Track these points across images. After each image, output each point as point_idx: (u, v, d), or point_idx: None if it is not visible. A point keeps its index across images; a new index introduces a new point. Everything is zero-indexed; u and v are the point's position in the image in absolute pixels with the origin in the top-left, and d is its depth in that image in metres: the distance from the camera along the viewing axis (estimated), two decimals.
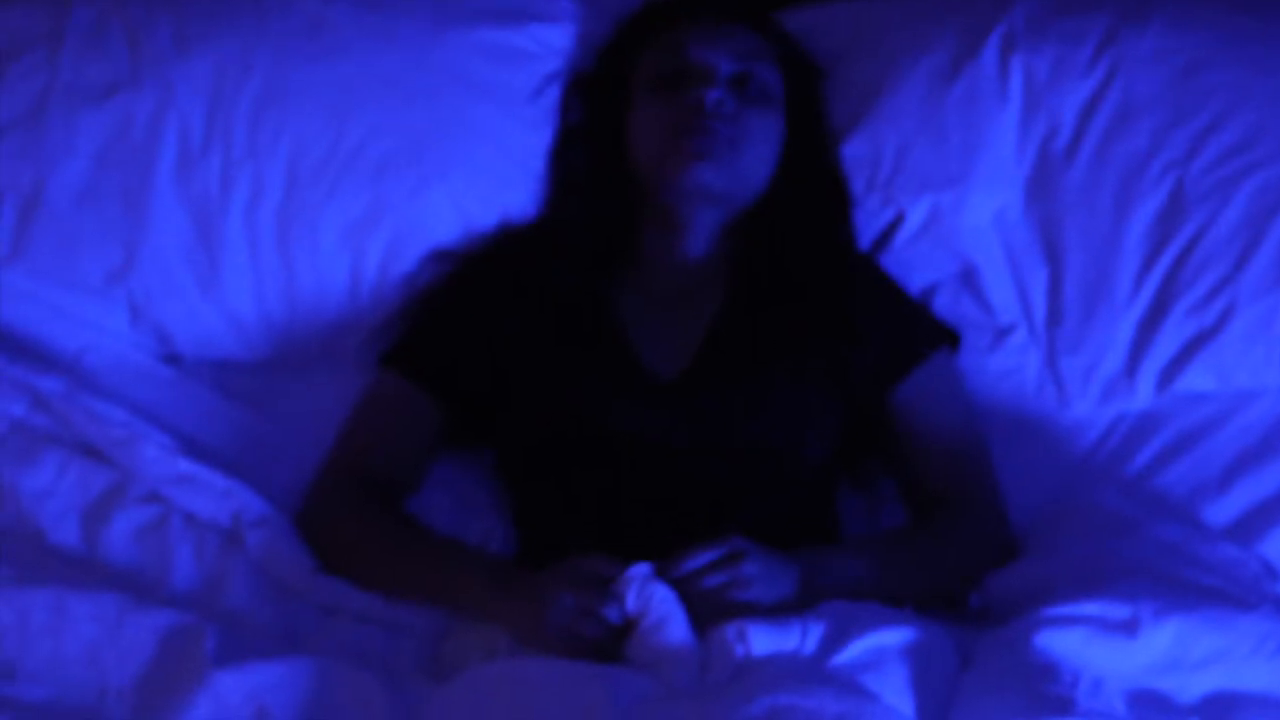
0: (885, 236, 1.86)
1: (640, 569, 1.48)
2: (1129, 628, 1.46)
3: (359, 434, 1.76)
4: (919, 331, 1.79)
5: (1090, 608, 1.48)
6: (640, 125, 1.78)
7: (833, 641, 1.43)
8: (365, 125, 1.81)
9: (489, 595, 1.54)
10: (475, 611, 1.57)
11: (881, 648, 1.44)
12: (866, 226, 1.86)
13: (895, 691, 1.40)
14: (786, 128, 1.80)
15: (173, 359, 1.86)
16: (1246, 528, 1.72)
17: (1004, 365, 1.83)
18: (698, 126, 1.71)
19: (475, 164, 1.83)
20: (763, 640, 1.42)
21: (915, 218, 1.84)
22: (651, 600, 1.46)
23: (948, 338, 1.81)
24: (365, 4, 1.84)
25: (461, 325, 1.77)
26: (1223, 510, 1.74)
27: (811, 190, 1.81)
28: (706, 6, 1.86)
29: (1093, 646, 1.46)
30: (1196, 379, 1.79)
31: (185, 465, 1.65)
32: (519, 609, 1.51)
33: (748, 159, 1.75)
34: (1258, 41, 1.83)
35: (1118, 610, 1.47)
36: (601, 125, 1.84)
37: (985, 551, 1.70)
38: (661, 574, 1.49)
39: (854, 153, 1.85)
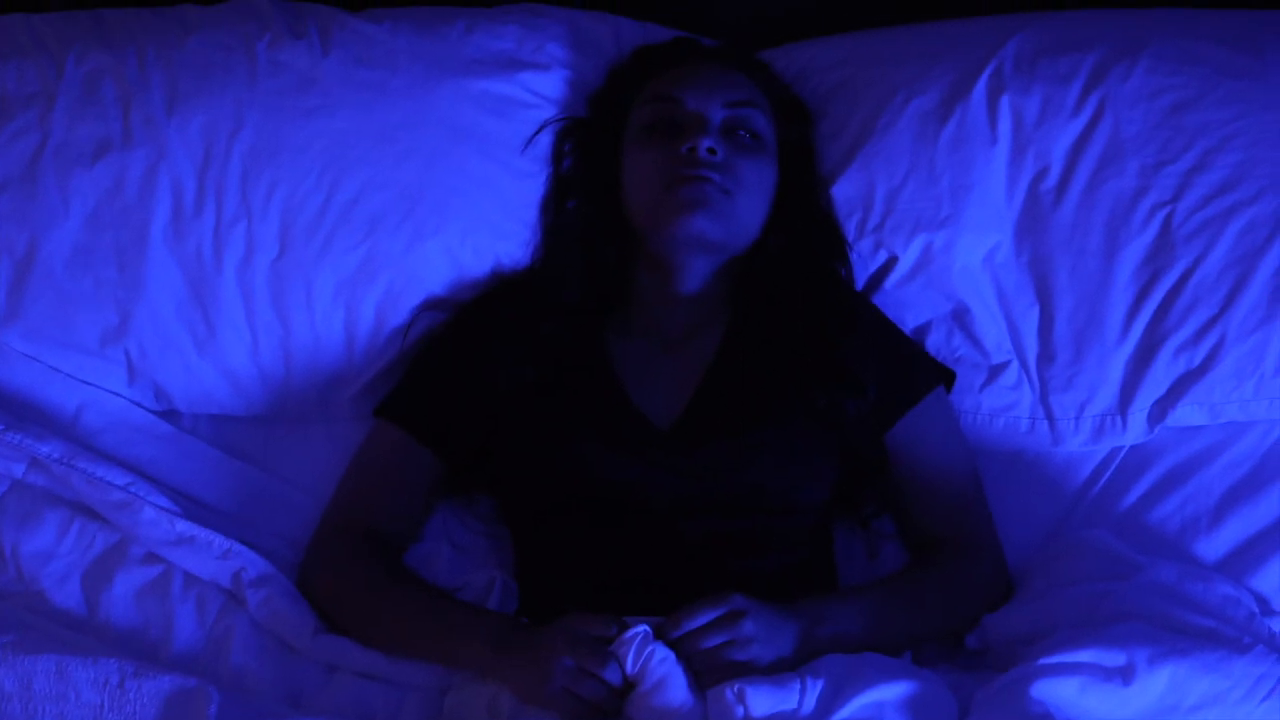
0: (877, 278, 1.87)
1: (639, 629, 1.49)
2: (1124, 675, 1.48)
3: (357, 487, 1.77)
4: (915, 371, 1.80)
5: (1085, 655, 1.50)
6: (633, 173, 1.78)
7: (831, 699, 1.44)
8: (358, 181, 1.81)
9: (490, 655, 1.55)
10: (476, 670, 1.58)
11: (880, 703, 1.45)
12: (859, 270, 1.86)
13: None
14: (779, 172, 1.81)
15: (171, 415, 1.87)
16: (1240, 561, 1.74)
17: (996, 404, 1.84)
18: (691, 176, 1.71)
19: (469, 215, 1.83)
20: (762, 701, 1.42)
21: (907, 259, 1.84)
22: (650, 661, 1.47)
23: (943, 376, 1.82)
24: (355, 60, 1.84)
25: (455, 374, 1.77)
26: (1216, 544, 1.76)
27: (806, 234, 1.81)
28: (697, 52, 1.86)
29: (1088, 695, 1.48)
30: (1187, 414, 1.80)
31: (184, 527, 1.66)
32: (520, 670, 1.52)
33: (741, 206, 1.75)
34: (1245, 78, 1.83)
35: (1113, 657, 1.49)
36: (595, 172, 1.84)
37: (982, 592, 1.72)
38: (660, 634, 1.50)
39: (845, 196, 1.86)
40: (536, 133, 1.86)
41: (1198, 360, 1.79)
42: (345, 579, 1.69)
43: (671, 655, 1.48)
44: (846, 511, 1.81)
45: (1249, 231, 1.79)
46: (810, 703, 1.43)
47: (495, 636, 1.56)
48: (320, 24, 1.86)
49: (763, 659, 1.50)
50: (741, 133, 1.77)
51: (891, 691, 1.47)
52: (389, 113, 1.82)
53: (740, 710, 1.42)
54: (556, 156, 1.87)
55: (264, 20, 1.86)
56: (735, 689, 1.43)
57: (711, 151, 1.72)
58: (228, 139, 1.80)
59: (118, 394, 1.84)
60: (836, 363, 1.73)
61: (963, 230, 1.83)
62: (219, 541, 1.65)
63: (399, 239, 1.81)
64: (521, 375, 1.74)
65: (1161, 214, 1.81)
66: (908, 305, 1.86)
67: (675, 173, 1.72)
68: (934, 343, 1.86)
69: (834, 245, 1.83)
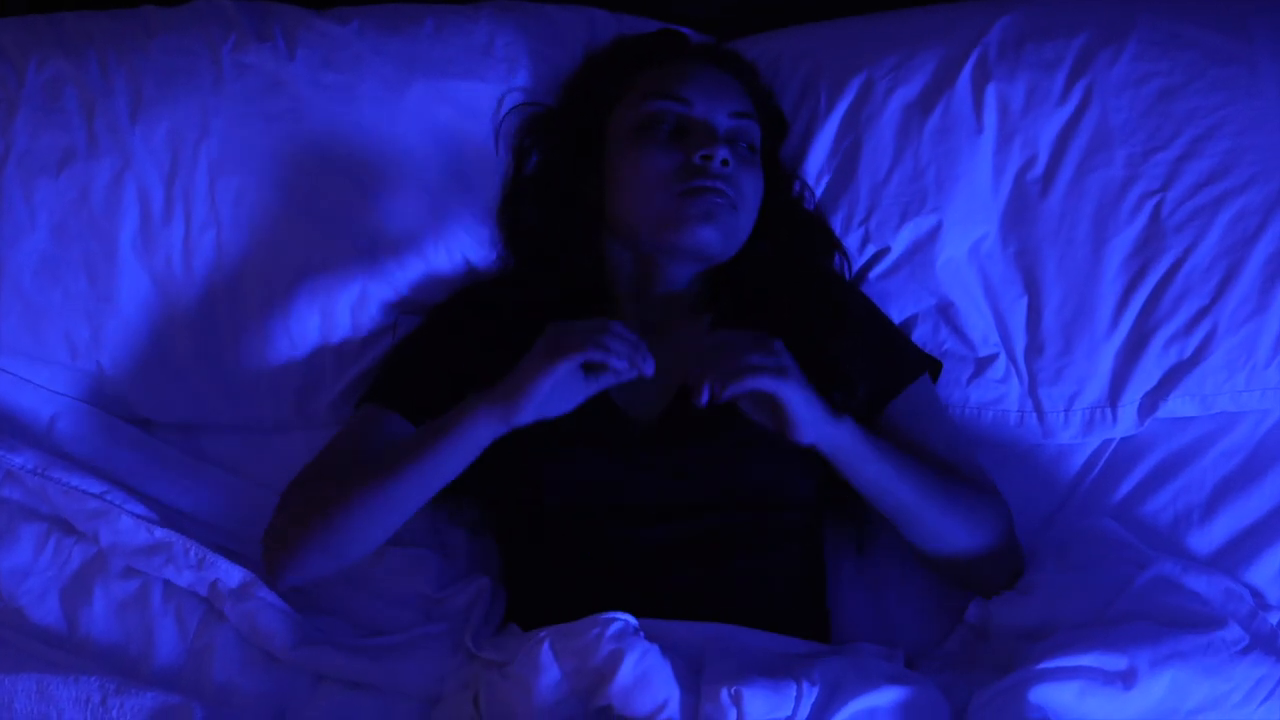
0: (861, 273, 1.84)
1: (625, 619, 1.48)
2: (1125, 679, 1.47)
3: (332, 457, 1.68)
4: (900, 360, 1.77)
5: (1087, 659, 1.49)
6: (631, 172, 1.71)
7: (825, 705, 1.44)
8: (328, 185, 1.77)
9: (480, 401, 1.52)
10: (473, 423, 1.53)
11: (873, 709, 1.46)
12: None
13: None
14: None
15: (147, 423, 1.84)
16: (1234, 555, 1.72)
17: (984, 397, 1.82)
18: (707, 187, 1.67)
19: (442, 215, 1.80)
20: (757, 704, 1.42)
21: (892, 253, 1.82)
22: (633, 653, 1.44)
23: (928, 365, 1.79)
24: (323, 62, 1.80)
25: (434, 370, 1.73)
26: (1209, 537, 1.74)
27: (789, 240, 1.79)
28: (688, 48, 1.82)
29: (1088, 699, 1.47)
30: (1178, 406, 1.78)
31: (161, 534, 1.64)
32: (514, 375, 1.51)
33: (743, 220, 1.72)
34: (1233, 64, 1.80)
35: (1114, 661, 1.48)
36: (571, 164, 1.78)
37: (998, 517, 1.67)
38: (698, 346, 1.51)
39: (831, 191, 1.83)
40: (503, 117, 1.81)
41: (1189, 351, 1.76)
42: (314, 493, 1.61)
43: (655, 649, 1.46)
44: (836, 507, 1.78)
45: (1239, 220, 1.76)
46: (805, 709, 1.43)
47: (477, 395, 1.53)
48: (285, 25, 1.82)
49: (791, 381, 1.49)
50: (742, 144, 1.74)
51: (884, 698, 1.47)
52: (358, 115, 1.79)
53: (734, 713, 1.41)
54: (518, 146, 1.82)
55: (228, 22, 1.82)
56: (732, 690, 1.42)
57: (725, 164, 1.68)
58: (194, 146, 1.77)
59: (92, 403, 1.82)
60: (824, 360, 1.70)
61: (949, 222, 1.80)
62: (195, 549, 1.64)
63: (372, 242, 1.78)
64: (494, 377, 1.70)
65: (1151, 203, 1.78)
66: (892, 299, 1.83)
67: (689, 182, 1.68)
68: (920, 336, 1.83)
69: (819, 244, 1.81)
